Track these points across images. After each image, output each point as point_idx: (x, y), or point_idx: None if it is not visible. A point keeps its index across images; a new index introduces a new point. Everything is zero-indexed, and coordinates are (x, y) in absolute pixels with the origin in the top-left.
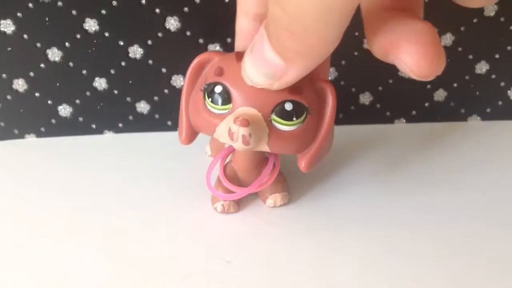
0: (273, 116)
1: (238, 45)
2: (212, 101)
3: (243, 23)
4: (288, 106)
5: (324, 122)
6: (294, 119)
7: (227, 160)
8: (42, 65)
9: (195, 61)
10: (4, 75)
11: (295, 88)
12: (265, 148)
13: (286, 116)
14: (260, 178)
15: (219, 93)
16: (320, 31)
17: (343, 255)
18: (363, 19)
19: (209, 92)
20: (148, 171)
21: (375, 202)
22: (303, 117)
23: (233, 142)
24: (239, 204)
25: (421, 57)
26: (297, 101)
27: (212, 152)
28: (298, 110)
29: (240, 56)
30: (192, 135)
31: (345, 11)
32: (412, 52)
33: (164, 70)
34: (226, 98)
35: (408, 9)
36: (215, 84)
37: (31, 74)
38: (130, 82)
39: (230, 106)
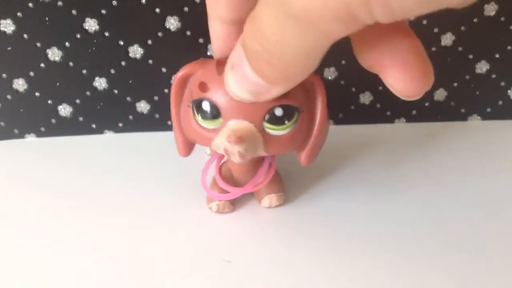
0: (265, 124)
1: (215, 49)
2: (202, 117)
3: (217, 28)
4: (278, 112)
5: (317, 115)
6: (286, 122)
7: (223, 160)
8: (42, 64)
9: (178, 75)
10: (4, 75)
11: None
12: (262, 153)
13: (278, 121)
14: (255, 178)
15: (208, 109)
16: (299, 64)
17: (341, 255)
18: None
19: (197, 108)
20: (148, 171)
21: (374, 201)
22: (294, 118)
23: (230, 157)
24: (234, 204)
25: (408, 81)
26: (286, 104)
27: (211, 152)
28: (289, 113)
29: (220, 67)
30: (189, 147)
31: (326, 46)
32: (399, 78)
33: (164, 69)
34: (216, 113)
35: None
36: (201, 100)
37: (31, 74)
38: (130, 81)
39: (220, 120)
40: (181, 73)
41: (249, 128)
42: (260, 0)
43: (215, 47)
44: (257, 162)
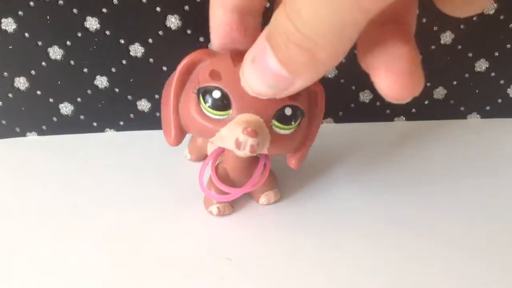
0: (274, 122)
1: (215, 37)
2: (210, 106)
3: (219, 14)
4: (288, 111)
5: (314, 122)
6: (293, 123)
7: (218, 161)
8: (43, 63)
9: (185, 60)
10: (5, 73)
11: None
12: (264, 151)
13: (286, 121)
14: (254, 178)
15: (218, 99)
16: (332, 47)
17: (341, 252)
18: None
19: (206, 96)
20: (149, 169)
21: (374, 199)
22: (299, 121)
23: (239, 150)
24: (233, 206)
25: (392, 83)
26: (296, 105)
27: (191, 156)
28: (296, 114)
29: (236, 59)
30: (181, 136)
31: (358, 26)
32: (385, 78)
33: (164, 68)
34: (226, 103)
35: (400, 22)
36: (213, 88)
37: (33, 72)
38: (131, 80)
39: (229, 112)
40: (189, 58)
41: (260, 123)
42: None
43: (215, 36)
44: (252, 162)
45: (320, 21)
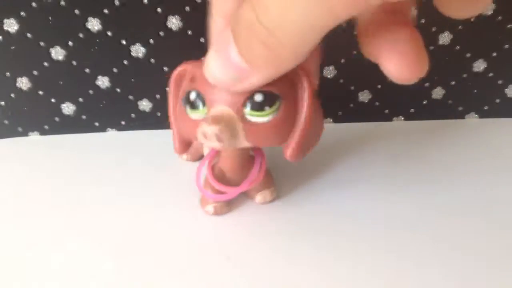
0: (245, 110)
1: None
2: (190, 108)
3: (220, 23)
4: (258, 97)
5: (303, 109)
6: (267, 108)
7: (214, 161)
8: (45, 63)
9: (174, 73)
10: (8, 74)
11: None
12: (245, 143)
13: (258, 107)
14: (250, 177)
15: (194, 99)
16: (296, 47)
17: (339, 251)
18: (358, 23)
19: (186, 100)
20: (150, 168)
21: (372, 198)
22: (276, 106)
23: (209, 141)
24: (229, 205)
25: (399, 63)
26: (267, 90)
27: (187, 157)
28: (270, 99)
29: None
30: (184, 144)
31: (325, 30)
32: (392, 58)
33: (166, 68)
34: (201, 102)
35: (399, 11)
36: (189, 91)
37: (35, 72)
38: (133, 80)
39: (205, 110)
40: (177, 71)
41: (228, 113)
42: None
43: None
44: (248, 161)
45: (289, 21)
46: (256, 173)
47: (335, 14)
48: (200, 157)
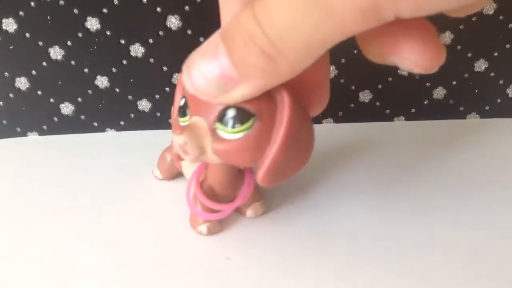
0: (216, 124)
1: None
2: (180, 114)
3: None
4: (231, 113)
5: (280, 130)
6: (237, 126)
7: (201, 177)
8: (44, 63)
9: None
10: (6, 74)
11: None
12: (213, 158)
13: (228, 123)
14: (242, 193)
15: (182, 106)
16: (297, 61)
17: (338, 254)
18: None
19: (179, 105)
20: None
21: (373, 198)
22: (248, 124)
23: (177, 151)
24: (220, 222)
25: (422, 50)
26: (242, 107)
27: (163, 175)
28: (243, 117)
29: None
30: None
31: (331, 44)
32: (414, 47)
33: (165, 68)
34: (188, 110)
35: None
36: (182, 97)
37: (33, 72)
38: (132, 80)
39: (187, 118)
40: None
41: (198, 124)
42: None
43: None
44: (236, 175)
45: (296, 36)
46: (247, 187)
47: (344, 29)
48: (176, 175)
